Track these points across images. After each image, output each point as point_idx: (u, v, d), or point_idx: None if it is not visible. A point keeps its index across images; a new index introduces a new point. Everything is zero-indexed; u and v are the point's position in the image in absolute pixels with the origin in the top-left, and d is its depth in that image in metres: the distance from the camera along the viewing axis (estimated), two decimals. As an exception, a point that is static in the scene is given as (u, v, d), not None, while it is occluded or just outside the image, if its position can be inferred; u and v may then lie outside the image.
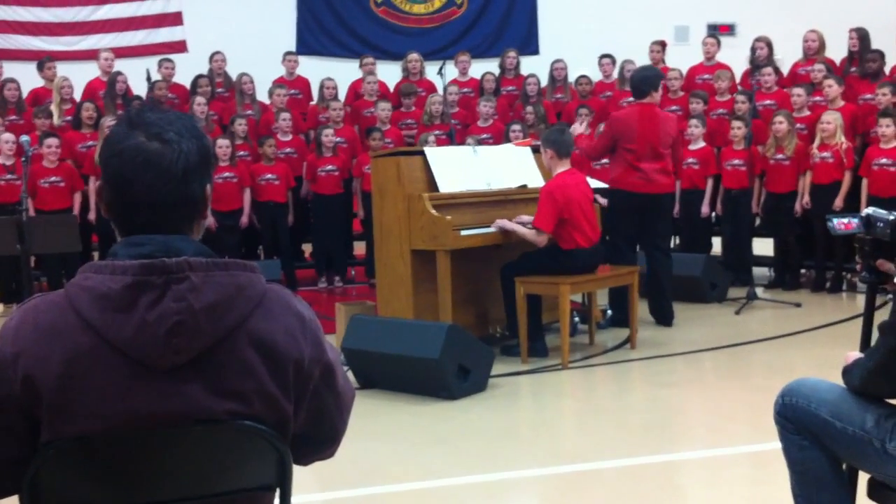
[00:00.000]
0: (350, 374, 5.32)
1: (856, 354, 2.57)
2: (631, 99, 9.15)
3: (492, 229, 6.07)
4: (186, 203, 1.62)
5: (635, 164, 6.73)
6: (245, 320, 1.57)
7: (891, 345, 2.32)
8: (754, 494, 3.69)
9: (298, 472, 1.71)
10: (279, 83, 10.17)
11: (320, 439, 1.78)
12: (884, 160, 7.90)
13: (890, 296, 2.52)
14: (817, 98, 8.82)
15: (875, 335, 2.48)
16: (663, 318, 7.03)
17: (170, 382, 1.52)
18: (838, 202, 7.93)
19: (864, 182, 8.03)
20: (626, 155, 6.73)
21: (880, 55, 8.91)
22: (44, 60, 10.16)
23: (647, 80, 6.93)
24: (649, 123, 6.77)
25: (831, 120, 8.14)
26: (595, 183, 7.14)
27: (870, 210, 2.65)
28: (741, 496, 3.74)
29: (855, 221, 2.64)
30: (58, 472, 1.54)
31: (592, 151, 7.21)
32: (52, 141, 8.54)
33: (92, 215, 8.64)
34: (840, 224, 2.66)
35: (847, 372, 2.52)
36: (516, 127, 9.16)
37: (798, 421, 2.58)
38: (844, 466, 2.66)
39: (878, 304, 2.86)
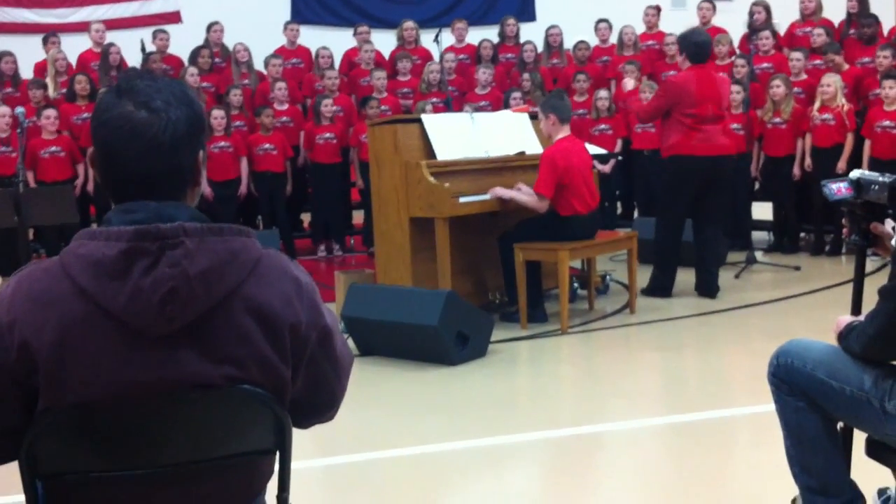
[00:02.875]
0: (350, 342, 5.33)
1: (847, 319, 2.55)
2: (630, 66, 9.16)
3: (490, 196, 6.06)
4: (176, 171, 1.60)
5: (697, 126, 6.51)
6: (240, 286, 1.56)
7: (891, 309, 2.30)
8: (753, 457, 3.71)
9: (297, 438, 1.71)
10: (277, 53, 10.11)
11: (319, 403, 1.78)
12: (886, 122, 7.87)
13: (878, 258, 2.50)
14: (816, 62, 8.78)
15: (866, 299, 2.47)
16: (707, 289, 6.75)
17: (165, 349, 1.52)
18: (841, 165, 7.91)
19: (867, 144, 8.01)
20: (684, 120, 6.51)
21: (875, 19, 8.87)
22: (48, 35, 10.10)
23: (702, 45, 6.70)
24: (708, 87, 6.58)
25: (831, 83, 8.10)
26: (594, 149, 7.11)
27: (858, 173, 2.62)
28: (740, 458, 3.76)
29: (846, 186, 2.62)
30: (55, 440, 1.55)
31: (644, 114, 6.97)
32: (50, 112, 8.56)
33: (91, 186, 8.66)
34: (835, 189, 2.64)
35: (843, 337, 2.50)
36: (516, 94, 9.12)
37: (793, 382, 2.57)
38: (840, 426, 2.66)
39: (868, 267, 2.85)
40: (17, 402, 1.55)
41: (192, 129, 1.61)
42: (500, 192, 6.04)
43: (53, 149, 8.56)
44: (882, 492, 2.82)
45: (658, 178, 6.97)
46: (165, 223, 1.52)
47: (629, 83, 7.74)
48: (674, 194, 6.76)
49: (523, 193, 6.01)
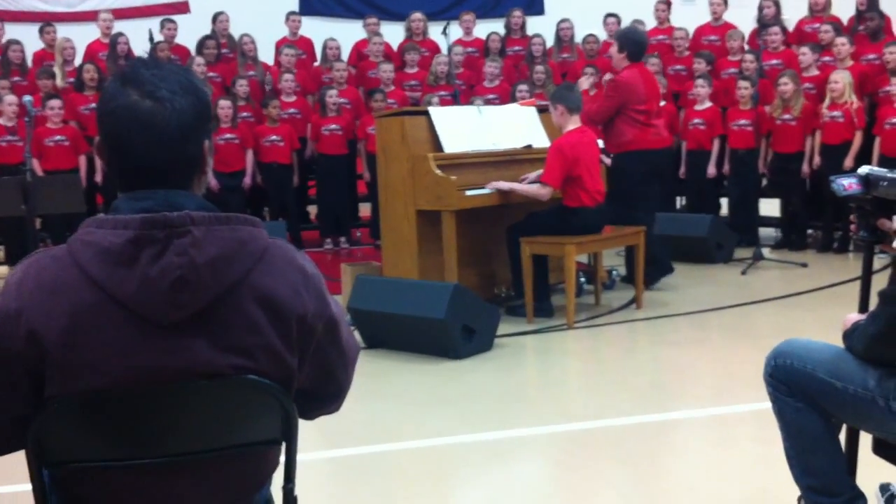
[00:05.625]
0: (356, 335, 5.33)
1: (855, 316, 2.52)
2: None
3: (489, 189, 6.04)
4: (183, 160, 1.60)
5: (648, 122, 6.71)
6: (247, 275, 1.55)
7: (891, 313, 2.28)
8: (759, 452, 3.69)
9: (304, 430, 1.70)
10: (286, 43, 10.11)
11: (325, 394, 1.77)
12: (895, 120, 7.85)
13: (886, 256, 2.48)
14: (826, 58, 8.75)
15: (873, 296, 2.44)
16: (648, 278, 6.75)
17: (173, 338, 1.52)
18: (849, 162, 7.89)
19: (877, 141, 7.98)
20: (636, 116, 6.66)
21: (879, 14, 8.81)
22: (43, 25, 10.13)
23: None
24: (651, 84, 6.88)
25: (839, 79, 8.07)
26: (600, 143, 7.10)
27: (867, 169, 2.61)
28: (746, 454, 3.75)
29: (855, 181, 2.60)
30: (62, 428, 1.54)
31: (597, 115, 6.93)
32: (55, 102, 8.60)
33: (98, 176, 8.68)
34: (844, 185, 2.62)
35: (848, 336, 2.48)
36: (523, 87, 9.10)
37: (792, 382, 2.53)
38: (845, 427, 2.64)
39: (876, 265, 2.84)
40: (25, 389, 1.54)
41: (199, 117, 1.61)
42: (499, 184, 6.03)
43: (58, 137, 8.60)
44: (885, 488, 2.80)
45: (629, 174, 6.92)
46: (173, 211, 1.52)
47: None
48: (635, 189, 6.73)
49: (523, 184, 6.02)
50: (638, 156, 6.67)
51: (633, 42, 6.85)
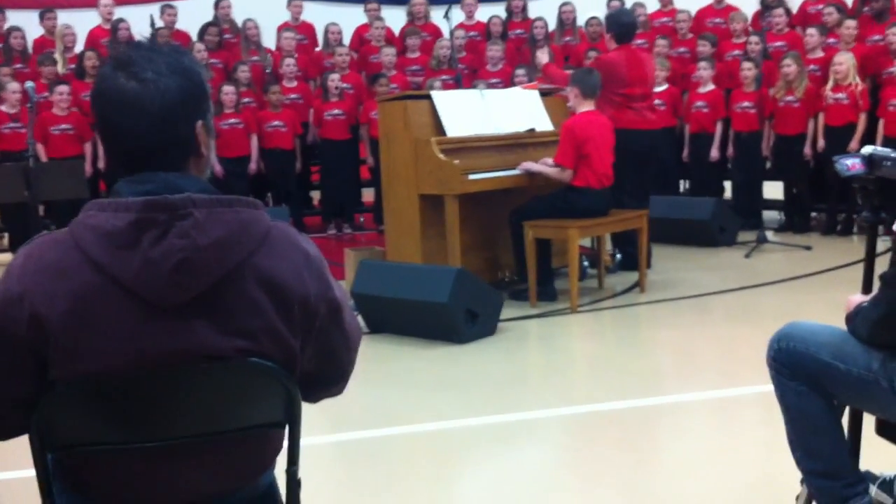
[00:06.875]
0: (359, 319, 5.33)
1: (858, 298, 2.50)
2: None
3: (500, 174, 6.05)
4: (171, 142, 1.58)
5: (629, 105, 6.68)
6: (250, 257, 1.55)
7: (893, 297, 2.26)
8: (763, 435, 3.70)
9: (307, 414, 1.70)
10: (287, 27, 10.08)
11: (328, 376, 1.77)
12: (898, 101, 7.83)
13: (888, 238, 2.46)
14: (831, 40, 8.71)
15: (877, 277, 2.43)
16: (632, 263, 6.67)
17: (176, 321, 1.51)
18: (854, 144, 7.87)
19: (881, 123, 7.95)
20: (615, 98, 6.61)
21: None
22: (44, 11, 10.10)
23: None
24: (637, 68, 6.75)
25: (843, 61, 8.04)
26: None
27: (871, 149, 2.59)
28: (750, 437, 3.75)
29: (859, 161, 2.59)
30: (66, 411, 1.54)
31: (564, 83, 6.83)
32: (63, 88, 8.58)
33: (101, 163, 8.68)
34: (847, 165, 2.61)
35: (850, 320, 2.47)
36: (520, 71, 9.08)
37: (795, 366, 2.52)
38: (848, 410, 2.63)
39: (880, 247, 2.83)
40: (29, 373, 1.54)
41: (186, 97, 1.59)
42: (528, 165, 6.07)
43: (63, 126, 8.60)
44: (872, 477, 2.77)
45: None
46: (174, 194, 1.51)
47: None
48: (628, 170, 6.63)
49: (548, 166, 6.04)
50: (617, 135, 6.56)
51: (618, 24, 6.83)
